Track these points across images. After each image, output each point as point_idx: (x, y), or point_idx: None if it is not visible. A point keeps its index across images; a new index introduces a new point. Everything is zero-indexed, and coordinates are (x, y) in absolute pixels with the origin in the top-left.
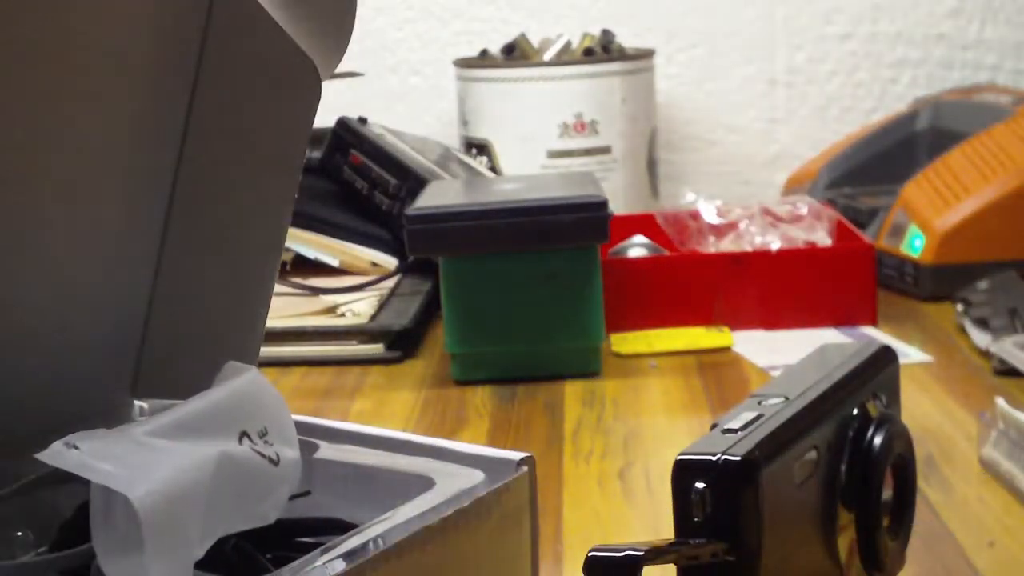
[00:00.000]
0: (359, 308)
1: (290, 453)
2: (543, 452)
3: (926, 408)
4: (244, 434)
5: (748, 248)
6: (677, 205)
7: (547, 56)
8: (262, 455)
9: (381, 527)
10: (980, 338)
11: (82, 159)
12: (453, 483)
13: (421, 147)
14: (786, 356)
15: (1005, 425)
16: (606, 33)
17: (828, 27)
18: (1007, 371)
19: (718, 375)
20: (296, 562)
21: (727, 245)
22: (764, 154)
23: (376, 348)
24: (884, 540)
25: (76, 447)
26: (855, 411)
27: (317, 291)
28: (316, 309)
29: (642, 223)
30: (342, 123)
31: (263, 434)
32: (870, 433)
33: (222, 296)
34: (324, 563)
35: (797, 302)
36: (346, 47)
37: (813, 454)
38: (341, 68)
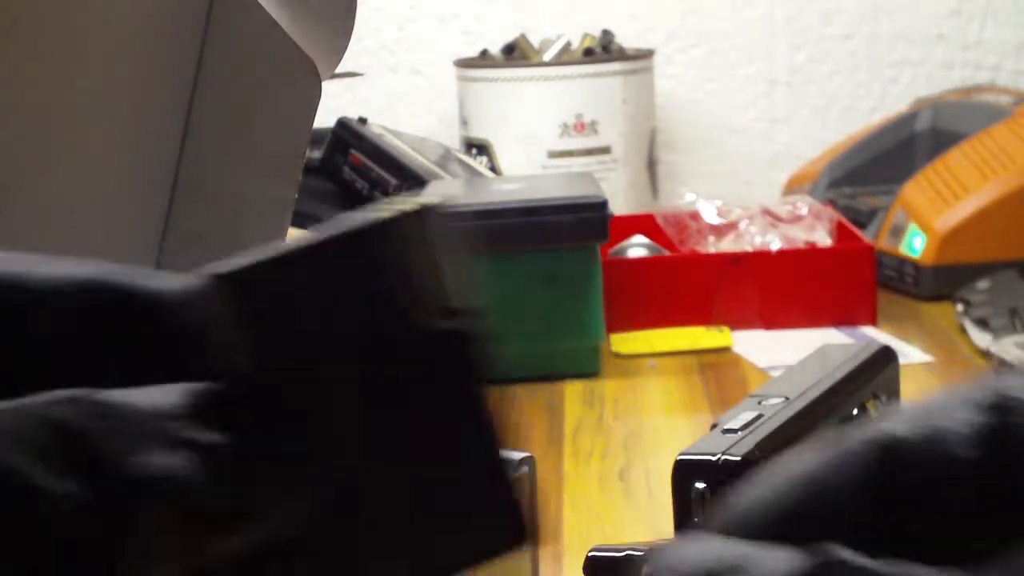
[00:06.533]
0: None
1: None
2: (543, 452)
3: None
4: None
5: (748, 248)
6: (677, 205)
7: (547, 56)
8: None
9: None
10: (980, 338)
11: (82, 158)
12: None
13: (421, 147)
14: (786, 356)
15: None
16: (606, 33)
17: (828, 27)
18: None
19: (718, 375)
20: None
21: (727, 245)
22: (764, 154)
23: None
24: None
25: None
26: (855, 411)
27: None
28: None
29: (642, 223)
30: (342, 123)
31: None
32: None
33: None
34: None
35: (797, 302)
36: (346, 47)
37: None
38: (341, 68)
